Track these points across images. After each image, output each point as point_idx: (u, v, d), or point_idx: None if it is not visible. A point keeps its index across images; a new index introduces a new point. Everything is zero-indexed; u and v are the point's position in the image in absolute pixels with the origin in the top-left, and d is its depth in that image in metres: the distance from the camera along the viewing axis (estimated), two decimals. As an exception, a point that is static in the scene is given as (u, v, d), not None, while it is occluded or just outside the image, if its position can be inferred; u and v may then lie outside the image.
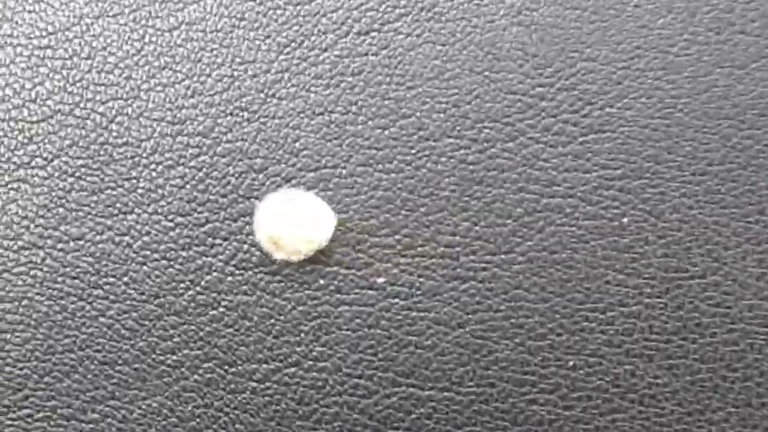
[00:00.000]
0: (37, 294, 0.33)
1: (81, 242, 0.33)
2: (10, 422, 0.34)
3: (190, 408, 0.33)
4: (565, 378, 0.33)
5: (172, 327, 0.33)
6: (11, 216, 0.34)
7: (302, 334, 0.33)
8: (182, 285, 0.33)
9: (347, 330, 0.33)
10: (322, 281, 0.33)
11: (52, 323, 0.33)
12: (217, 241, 0.34)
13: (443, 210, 0.33)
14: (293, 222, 0.32)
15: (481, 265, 0.33)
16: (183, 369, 0.33)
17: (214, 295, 0.33)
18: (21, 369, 0.34)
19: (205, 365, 0.33)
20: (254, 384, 0.33)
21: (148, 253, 0.33)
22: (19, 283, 0.33)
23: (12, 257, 0.33)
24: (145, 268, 0.33)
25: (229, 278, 0.33)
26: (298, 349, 0.33)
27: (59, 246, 0.33)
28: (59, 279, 0.33)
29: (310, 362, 0.33)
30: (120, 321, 0.33)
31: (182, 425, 0.33)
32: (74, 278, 0.33)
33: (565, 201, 0.33)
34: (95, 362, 0.33)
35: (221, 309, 0.33)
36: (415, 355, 0.33)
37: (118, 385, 0.33)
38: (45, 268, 0.33)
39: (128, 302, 0.33)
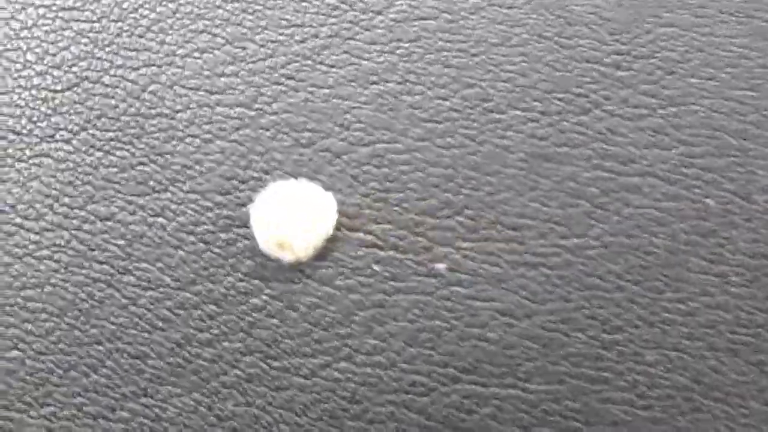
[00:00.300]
0: (62, 280, 0.30)
1: (110, 223, 0.30)
2: (31, 420, 0.31)
3: (229, 406, 0.30)
4: (642, 374, 0.30)
5: (209, 317, 0.30)
6: (33, 194, 0.30)
7: (354, 325, 0.30)
8: (221, 271, 0.30)
9: (403, 321, 0.30)
10: (376, 267, 0.30)
11: (78, 312, 0.30)
12: (261, 223, 0.31)
13: (509, 189, 0.30)
14: (298, 219, 0.28)
15: (551, 250, 0.30)
16: (222, 363, 0.30)
17: (256, 281, 0.30)
18: (43, 362, 0.31)
19: (246, 359, 0.30)
20: (300, 380, 0.30)
21: (184, 235, 0.30)
22: (42, 268, 0.30)
23: (34, 239, 0.30)
24: (180, 252, 0.30)
25: (272, 263, 0.30)
26: (349, 341, 0.30)
27: (86, 227, 0.30)
28: (86, 264, 0.30)
29: (363, 356, 0.30)
30: (153, 310, 0.30)
31: (220, 425, 0.30)
32: (102, 263, 0.30)
33: (644, 180, 0.30)
34: (125, 355, 0.30)
35: (264, 297, 0.30)
36: (478, 349, 0.30)
37: (151, 381, 0.30)
38: (70, 252, 0.30)
39: (162, 289, 0.30)
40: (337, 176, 0.30)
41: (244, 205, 0.30)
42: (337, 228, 0.30)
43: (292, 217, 0.28)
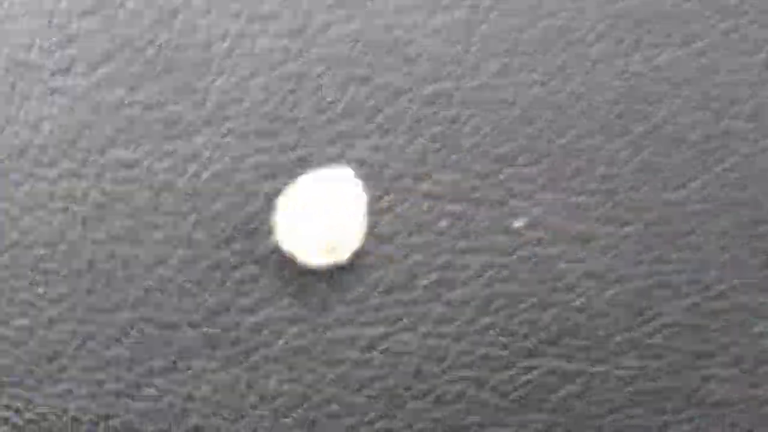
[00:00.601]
0: (79, 235, 0.26)
1: (134, 170, 0.26)
2: (43, 399, 0.26)
3: (272, 383, 0.26)
4: (751, 347, 0.26)
5: (251, 279, 0.26)
6: (46, 137, 0.26)
7: (418, 290, 0.26)
8: (264, 226, 0.26)
9: (475, 286, 0.26)
10: (443, 223, 0.26)
11: (97, 274, 0.26)
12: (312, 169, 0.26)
13: (598, 134, 0.26)
14: (341, 218, 0.24)
15: (646, 203, 0.26)
16: (264, 333, 0.26)
17: (305, 239, 0.26)
18: (57, 332, 0.26)
19: (293, 329, 0.26)
20: (356, 353, 0.26)
21: (220, 185, 0.26)
22: (56, 221, 0.26)
23: (47, 189, 0.26)
24: (217, 204, 0.26)
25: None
26: (413, 309, 0.26)
27: (107, 175, 0.26)
28: (107, 217, 0.26)
29: (428, 326, 0.26)
30: (184, 271, 0.26)
31: (263, 404, 0.26)
32: (127, 215, 0.26)
33: (752, 124, 0.26)
34: (152, 324, 0.26)
35: (313, 257, 0.26)
36: (562, 318, 0.26)
37: (181, 354, 0.26)
38: (89, 204, 0.26)
39: (195, 247, 0.26)
40: (397, 118, 0.26)
41: (292, 148, 0.26)
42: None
43: (335, 214, 0.24)
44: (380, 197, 0.26)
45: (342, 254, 0.26)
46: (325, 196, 0.25)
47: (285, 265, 0.26)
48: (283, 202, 0.26)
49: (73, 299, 0.27)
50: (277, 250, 0.26)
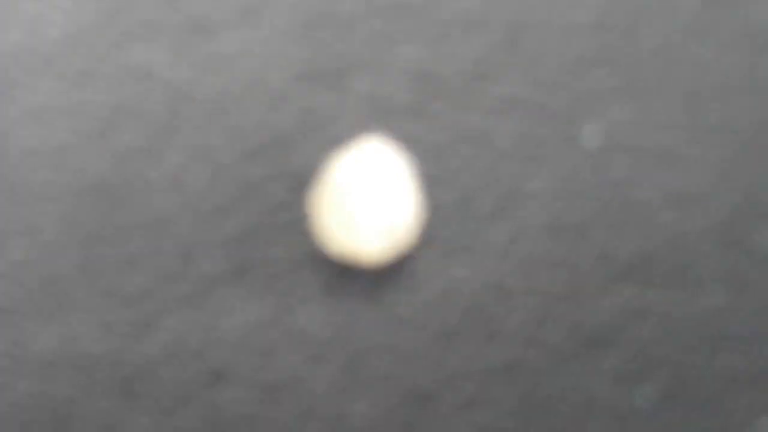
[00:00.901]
0: (87, 150, 0.23)
1: (150, 75, 0.23)
2: (44, 339, 0.23)
3: (307, 319, 0.23)
4: None
5: (282, 200, 0.23)
6: (49, 37, 0.23)
7: (475, 219, 0.22)
8: (298, 135, 0.22)
9: (537, 206, 0.22)
10: (503, 143, 0.23)
11: (106, 193, 0.23)
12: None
13: (680, 37, 0.22)
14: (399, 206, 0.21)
15: (737, 115, 0.22)
16: (298, 260, 0.23)
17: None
18: (61, 259, 0.23)
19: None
20: (404, 281, 0.23)
21: (248, 93, 0.23)
22: (61, 133, 0.23)
23: (51, 90, 0.23)
24: (246, 118, 0.22)
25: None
26: (468, 240, 0.22)
27: (118, 80, 0.23)
28: (118, 125, 0.23)
29: (486, 258, 0.23)
30: (206, 190, 0.23)
31: (296, 344, 0.23)
32: (141, 127, 0.23)
33: None
34: (167, 249, 0.23)
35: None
36: (637, 243, 0.22)
37: (201, 284, 0.23)
38: (99, 110, 0.23)
39: (219, 162, 0.22)
40: (451, 18, 0.22)
41: (333, 50, 0.23)
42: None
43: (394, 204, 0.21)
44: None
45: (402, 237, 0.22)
46: (366, 181, 0.22)
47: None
48: (319, 199, 0.22)
49: (80, 222, 0.23)
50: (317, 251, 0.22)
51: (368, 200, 0.22)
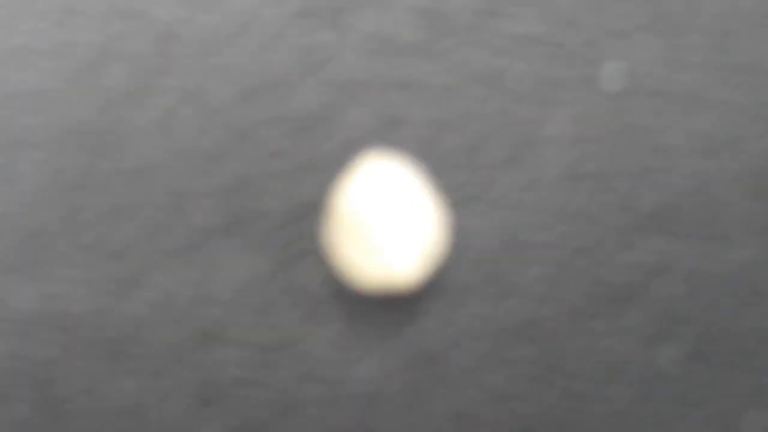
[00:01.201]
0: (69, 90, 0.21)
1: (137, 13, 0.21)
2: (26, 292, 0.21)
3: (305, 275, 0.21)
4: None
5: (282, 144, 0.21)
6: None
7: (485, 168, 0.21)
8: (296, 81, 0.21)
9: (555, 159, 0.21)
10: (513, 82, 0.21)
11: (89, 135, 0.21)
12: None
13: None
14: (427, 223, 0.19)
15: None
16: (298, 210, 0.21)
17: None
18: (41, 206, 0.21)
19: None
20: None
21: (242, 31, 0.21)
22: (43, 72, 0.21)
23: (31, 37, 0.21)
24: (240, 54, 0.21)
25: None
26: (480, 191, 0.21)
27: (104, 18, 0.21)
28: (104, 67, 0.21)
29: (499, 210, 0.21)
30: (196, 132, 0.21)
31: (293, 300, 0.21)
32: (128, 66, 0.21)
33: None
34: (156, 199, 0.21)
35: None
36: (662, 195, 0.21)
37: (192, 239, 0.21)
38: (81, 51, 0.21)
39: (211, 104, 0.21)
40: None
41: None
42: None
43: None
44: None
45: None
46: (384, 205, 0.20)
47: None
48: (336, 233, 0.20)
49: (62, 170, 0.22)
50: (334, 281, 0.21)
51: (391, 225, 0.20)
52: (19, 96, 0.22)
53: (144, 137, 0.22)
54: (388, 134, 0.21)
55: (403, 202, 0.20)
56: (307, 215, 0.21)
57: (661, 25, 0.21)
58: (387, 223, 0.20)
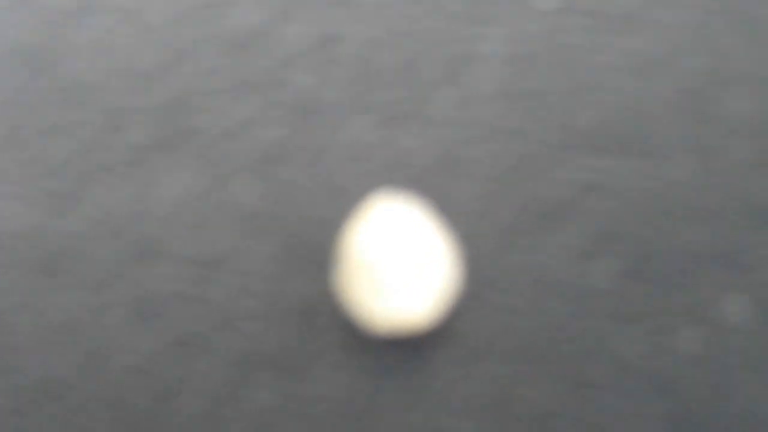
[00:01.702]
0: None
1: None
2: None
3: (244, 189, 0.21)
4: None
5: (225, 62, 0.21)
6: None
7: (425, 85, 0.21)
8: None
9: (492, 79, 0.21)
10: (454, 5, 0.21)
11: (41, 57, 0.21)
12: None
13: None
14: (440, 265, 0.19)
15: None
16: (241, 129, 0.21)
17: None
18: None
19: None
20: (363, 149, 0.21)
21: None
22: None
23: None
24: None
25: None
26: (418, 107, 0.21)
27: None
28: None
29: (439, 127, 0.21)
30: (143, 26, 0.21)
31: (231, 215, 0.21)
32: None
33: None
34: (100, 108, 0.21)
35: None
36: (599, 115, 0.21)
37: (134, 153, 0.21)
38: None
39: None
40: None
41: None
42: None
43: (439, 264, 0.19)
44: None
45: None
46: (395, 247, 0.19)
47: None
48: (348, 277, 0.20)
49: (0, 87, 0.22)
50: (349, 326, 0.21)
51: (403, 266, 0.19)
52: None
53: (83, 56, 0.22)
54: (324, 52, 0.21)
55: (414, 243, 0.19)
56: (242, 131, 0.21)
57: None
58: (398, 264, 0.19)
